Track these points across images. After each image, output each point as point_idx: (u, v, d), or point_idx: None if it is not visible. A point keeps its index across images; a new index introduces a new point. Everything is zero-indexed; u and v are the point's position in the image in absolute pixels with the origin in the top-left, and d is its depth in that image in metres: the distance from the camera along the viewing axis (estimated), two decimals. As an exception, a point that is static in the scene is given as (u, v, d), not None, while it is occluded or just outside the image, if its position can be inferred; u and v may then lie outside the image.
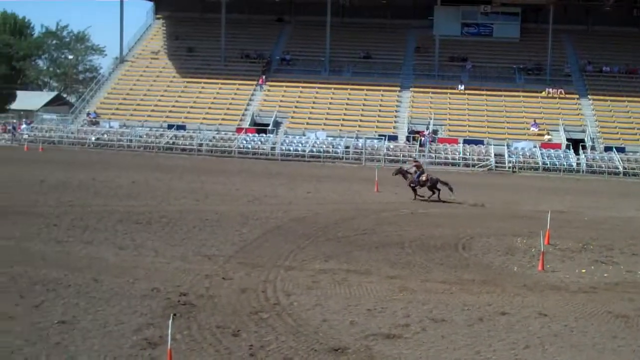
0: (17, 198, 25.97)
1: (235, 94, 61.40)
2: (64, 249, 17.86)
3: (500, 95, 59.89)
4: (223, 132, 55.72)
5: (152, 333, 11.78)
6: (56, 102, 78.30)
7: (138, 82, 63.95)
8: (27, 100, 75.62)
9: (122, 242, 18.90)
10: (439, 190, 30.08)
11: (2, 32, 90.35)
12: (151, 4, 73.21)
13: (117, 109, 60.35)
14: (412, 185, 30.67)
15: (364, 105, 59.26)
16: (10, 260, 16.32)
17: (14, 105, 72.32)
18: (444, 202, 30.04)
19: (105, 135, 55.16)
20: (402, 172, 31.52)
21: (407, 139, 54.58)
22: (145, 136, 54.92)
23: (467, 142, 54.28)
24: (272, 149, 52.74)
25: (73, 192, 28.31)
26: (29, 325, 11.99)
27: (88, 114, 59.06)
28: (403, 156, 51.84)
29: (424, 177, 30.35)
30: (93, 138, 54.77)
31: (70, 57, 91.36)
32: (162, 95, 61.48)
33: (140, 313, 12.85)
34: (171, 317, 10.89)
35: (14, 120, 61.53)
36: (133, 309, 13.07)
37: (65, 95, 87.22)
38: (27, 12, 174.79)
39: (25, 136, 55.87)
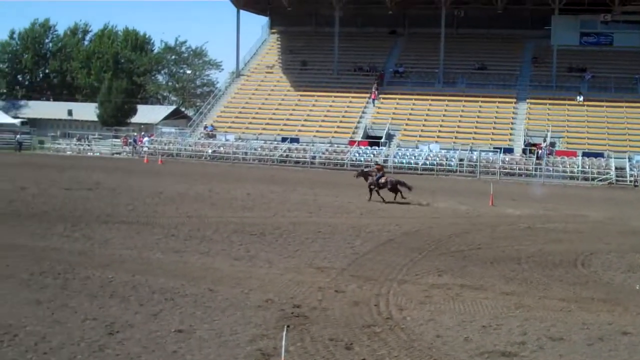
0: (139, 209, 26.87)
1: (348, 106, 61.65)
2: (181, 258, 18.33)
3: (622, 107, 57.75)
4: (336, 145, 56.04)
5: (266, 344, 11.89)
6: (175, 116, 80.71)
7: (253, 95, 65.14)
8: (147, 114, 78.28)
9: (237, 253, 19.23)
10: (400, 192, 31.77)
11: (124, 48, 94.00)
12: (266, 19, 74.60)
13: (232, 122, 61.65)
14: (371, 187, 31.98)
15: (478, 117, 58.39)
16: (131, 269, 16.89)
17: (134, 119, 74.92)
18: (407, 203, 31.33)
19: (222, 148, 56.41)
20: (364, 174, 33.22)
21: (524, 151, 53.40)
22: (259, 149, 55.85)
23: (586, 154, 52.59)
24: (385, 161, 52.60)
25: (190, 203, 29.07)
26: (147, 333, 12.32)
27: (205, 127, 60.58)
28: (519, 169, 50.77)
29: (383, 180, 31.94)
30: (210, 151, 56.10)
31: (189, 71, 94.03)
32: (276, 109, 62.39)
33: (254, 324, 13.00)
34: (285, 329, 10.97)
35: (135, 134, 63.72)
36: (247, 319, 13.25)
37: (183, 109, 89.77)
38: (147, 28, 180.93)
39: (145, 149, 57.78)
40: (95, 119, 74.89)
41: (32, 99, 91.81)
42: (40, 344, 11.72)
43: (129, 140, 60.43)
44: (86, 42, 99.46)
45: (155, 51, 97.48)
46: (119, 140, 62.81)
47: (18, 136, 63.62)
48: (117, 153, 59.64)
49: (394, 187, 31.74)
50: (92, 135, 66.96)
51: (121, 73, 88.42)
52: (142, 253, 18.82)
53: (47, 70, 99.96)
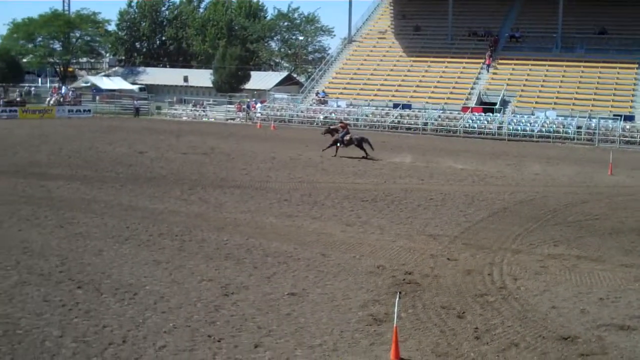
0: (252, 174, 27.33)
1: (462, 72, 60.49)
2: (294, 223, 18.56)
3: None
4: (448, 112, 55.20)
5: (378, 310, 11.93)
6: (287, 82, 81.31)
7: (365, 62, 64.79)
8: (260, 80, 79.11)
9: (349, 218, 19.31)
10: (364, 149, 33.36)
11: (238, 15, 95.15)
12: (379, -16, 73.84)
13: (344, 88, 61.57)
14: (337, 143, 33.80)
15: (598, 83, 56.19)
16: (246, 232, 17.23)
17: (248, 85, 75.83)
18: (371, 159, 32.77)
19: (333, 114, 56.54)
20: (330, 131, 35.20)
21: (645, 119, 51.21)
22: (371, 115, 55.65)
23: None
24: (499, 128, 51.40)
25: (302, 169, 29.34)
26: (261, 295, 12.58)
27: (317, 93, 60.77)
28: (640, 137, 48.83)
29: (347, 137, 33.84)
30: (321, 117, 56.31)
31: (301, 38, 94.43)
32: (388, 75, 61.88)
33: (366, 289, 13.06)
34: (397, 295, 10.96)
35: (248, 100, 64.57)
36: (359, 284, 13.32)
37: (295, 75, 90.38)
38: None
39: (258, 115, 58.51)
40: (210, 85, 76.16)
41: (150, 66, 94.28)
42: (159, 303, 12.14)
43: (243, 107, 61.30)
44: (201, 10, 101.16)
45: (268, 18, 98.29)
46: (232, 106, 63.76)
47: (136, 102, 65.59)
48: (230, 119, 60.63)
49: (360, 144, 33.44)
50: (207, 101, 68.30)
51: (235, 40, 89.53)
52: (256, 217, 19.16)
53: (163, 38, 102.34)
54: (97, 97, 70.81)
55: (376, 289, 13.07)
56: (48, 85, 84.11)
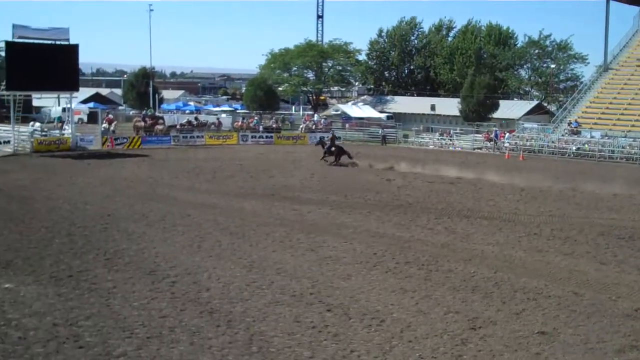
0: (500, 205, 26.79)
1: None
2: (544, 258, 17.92)
3: None
4: None
5: (636, 356, 11.18)
6: (537, 111, 79.12)
7: (622, 91, 61.55)
8: (508, 109, 77.66)
9: (604, 256, 18.30)
10: (339, 157, 40.49)
11: (487, 43, 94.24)
12: (638, 9, 69.96)
13: (599, 118, 58.87)
14: (325, 153, 41.36)
15: None
16: (493, 265, 16.88)
17: (496, 114, 74.75)
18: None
19: (586, 145, 54.14)
20: (321, 143, 43.23)
21: None
22: (628, 147, 52.64)
23: None
24: None
25: (553, 202, 28.29)
26: (509, 332, 12.23)
27: (569, 123, 58.61)
28: None
29: (333, 148, 41.08)
30: (574, 148, 54.14)
31: (552, 66, 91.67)
32: (647, 105, 58.43)
33: (623, 333, 12.29)
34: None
35: (496, 129, 63.58)
36: (615, 328, 12.56)
37: (545, 104, 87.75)
38: (510, 23, 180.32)
39: (507, 144, 57.45)
40: (457, 114, 76.02)
41: (397, 94, 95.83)
42: (406, 332, 12.17)
43: (491, 136, 60.46)
44: (450, 39, 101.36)
45: (518, 45, 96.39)
46: (480, 135, 63.13)
47: (382, 130, 66.92)
48: (478, 148, 59.98)
49: (339, 153, 40.37)
50: (454, 130, 68.15)
51: (483, 68, 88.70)
52: (504, 250, 18.71)
53: (411, 67, 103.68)
54: (347, 125, 73.07)
55: (634, 334, 12.24)
56: (301, 112, 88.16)
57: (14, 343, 11.26)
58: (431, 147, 61.68)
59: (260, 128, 61.25)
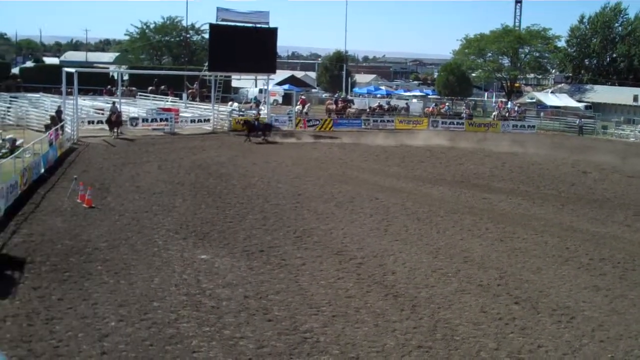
0: None
1: None
2: None
3: None
4: None
5: None
6: None
7: None
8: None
9: None
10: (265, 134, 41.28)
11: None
12: None
13: None
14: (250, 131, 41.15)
15: None
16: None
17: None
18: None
19: None
20: (247, 123, 42.48)
21: None
22: None
23: None
24: None
25: None
26: None
27: None
28: None
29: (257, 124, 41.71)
30: None
31: None
32: None
33: None
34: None
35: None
36: None
37: None
38: None
39: None
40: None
41: (597, 83, 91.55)
42: (597, 331, 11.69)
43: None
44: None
45: None
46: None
47: (580, 120, 64.17)
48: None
49: (263, 130, 41.22)
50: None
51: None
52: None
53: (614, 55, 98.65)
54: (542, 114, 70.79)
55: None
56: (493, 99, 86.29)
57: (208, 312, 11.84)
58: (632, 139, 58.50)
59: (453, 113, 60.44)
